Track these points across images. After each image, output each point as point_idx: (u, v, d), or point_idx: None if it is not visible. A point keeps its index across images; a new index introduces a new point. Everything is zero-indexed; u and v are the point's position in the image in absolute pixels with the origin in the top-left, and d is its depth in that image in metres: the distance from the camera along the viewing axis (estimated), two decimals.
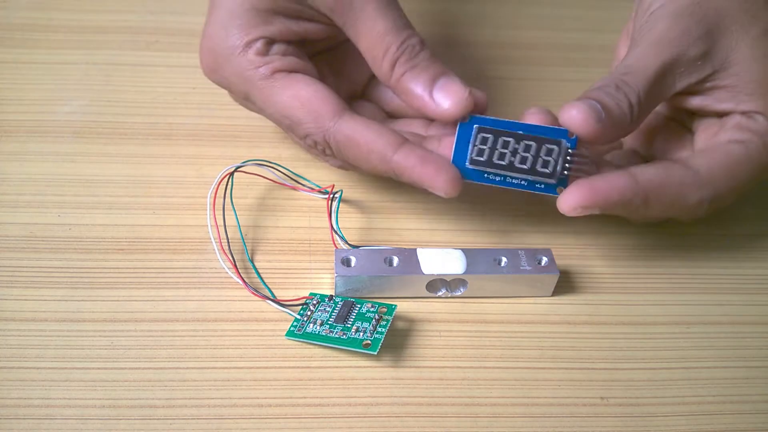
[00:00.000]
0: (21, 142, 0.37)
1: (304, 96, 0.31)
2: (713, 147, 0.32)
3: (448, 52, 0.46)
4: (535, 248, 0.32)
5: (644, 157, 0.36)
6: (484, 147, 0.30)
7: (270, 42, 0.31)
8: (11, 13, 0.44)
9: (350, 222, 0.35)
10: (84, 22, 0.44)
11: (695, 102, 0.33)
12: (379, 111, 0.36)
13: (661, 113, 0.37)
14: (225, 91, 0.40)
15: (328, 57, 0.35)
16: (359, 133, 0.30)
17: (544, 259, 0.32)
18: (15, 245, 0.32)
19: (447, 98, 0.30)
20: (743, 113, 0.32)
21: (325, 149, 0.32)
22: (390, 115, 0.36)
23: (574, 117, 0.28)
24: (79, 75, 0.41)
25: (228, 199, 0.33)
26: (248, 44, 0.31)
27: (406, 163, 0.30)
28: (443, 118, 0.30)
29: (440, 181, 0.29)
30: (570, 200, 0.29)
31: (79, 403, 0.27)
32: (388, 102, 0.36)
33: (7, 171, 0.35)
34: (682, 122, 0.36)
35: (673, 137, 0.35)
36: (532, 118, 0.31)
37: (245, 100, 0.33)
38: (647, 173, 0.30)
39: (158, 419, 0.27)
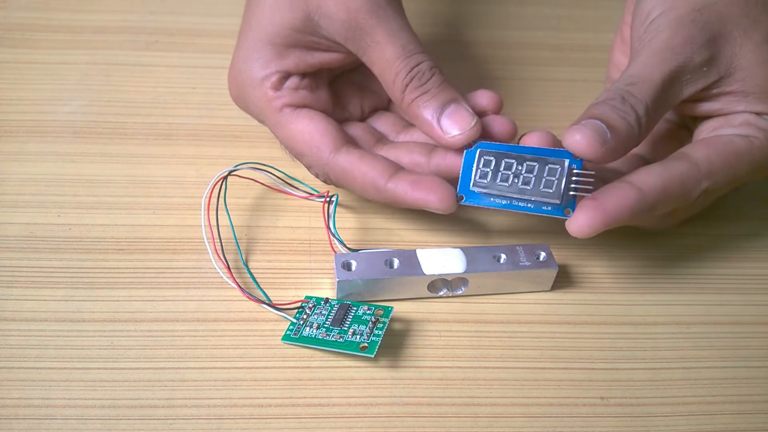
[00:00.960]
0: (21, 142, 0.37)
1: (306, 131, 0.32)
2: (714, 138, 0.32)
3: (448, 53, 0.46)
4: (533, 244, 0.33)
5: (648, 160, 0.35)
6: (488, 170, 0.30)
7: (285, 76, 0.33)
8: (11, 13, 0.44)
9: (348, 222, 0.35)
10: (84, 22, 0.44)
11: (703, 108, 0.33)
12: (399, 120, 0.36)
13: (665, 118, 0.36)
14: (225, 91, 0.40)
15: (352, 75, 0.36)
16: (354, 165, 0.32)
17: (543, 254, 0.32)
18: (15, 245, 0.32)
19: (454, 126, 0.31)
20: (753, 113, 0.32)
21: (326, 180, 0.33)
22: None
23: (578, 142, 0.28)
24: (79, 75, 0.41)
25: (222, 203, 0.33)
26: (264, 78, 0.33)
27: (398, 189, 0.31)
28: (450, 146, 0.31)
29: (434, 200, 0.30)
30: (580, 223, 0.28)
31: (79, 403, 0.27)
32: None
33: (7, 171, 0.35)
34: (685, 126, 0.36)
35: (677, 141, 0.35)
36: (531, 140, 0.31)
37: (263, 124, 0.35)
38: (650, 181, 0.29)
39: (158, 419, 0.27)
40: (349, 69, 0.36)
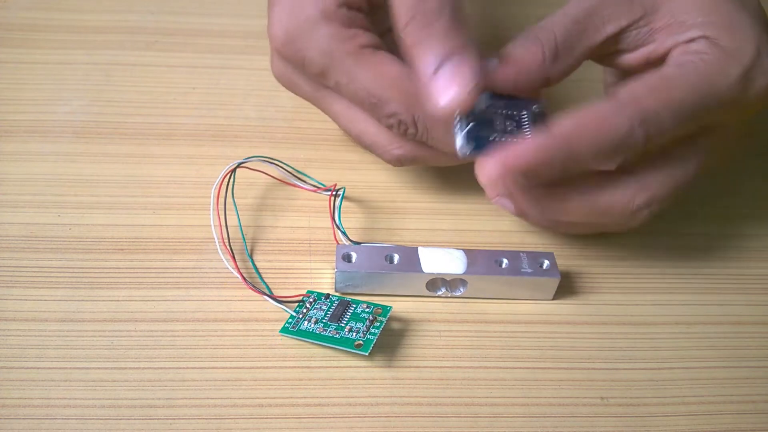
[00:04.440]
0: (21, 142, 0.37)
1: (394, 75, 0.29)
2: (639, 74, 0.29)
3: None
4: (537, 251, 0.32)
5: None
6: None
7: (350, 8, 0.30)
8: (11, 13, 0.44)
9: (351, 222, 0.35)
10: (84, 22, 0.44)
11: (639, 55, 0.31)
12: None
13: (613, 82, 0.35)
14: (225, 91, 0.40)
15: (390, 41, 0.32)
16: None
17: (546, 263, 0.32)
18: (15, 245, 0.32)
19: (444, 91, 0.27)
20: (685, 42, 0.29)
21: (408, 129, 0.30)
22: None
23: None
24: (79, 75, 0.41)
25: (230, 197, 0.33)
26: (327, 14, 0.29)
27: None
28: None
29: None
30: (486, 172, 0.27)
31: (79, 403, 0.27)
32: None
33: (7, 171, 0.35)
34: None
35: None
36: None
37: (320, 75, 0.31)
38: (560, 123, 0.27)
39: (158, 419, 0.27)
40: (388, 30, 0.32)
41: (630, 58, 0.31)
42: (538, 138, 0.27)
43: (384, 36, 0.32)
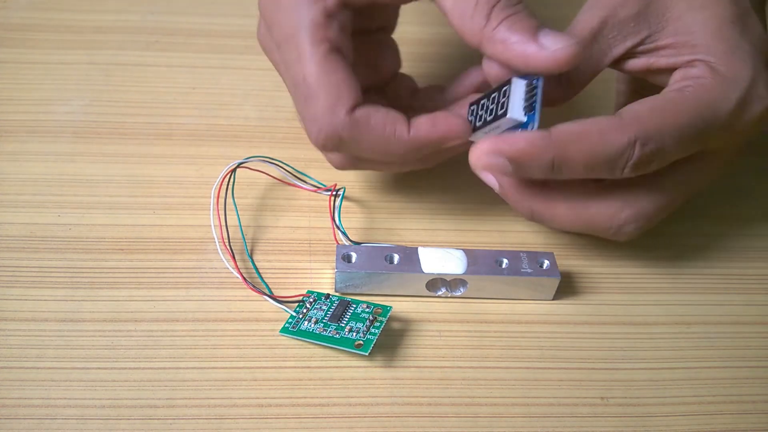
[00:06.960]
0: (21, 142, 0.37)
1: (336, 77, 0.29)
2: (644, 97, 0.30)
3: (448, 53, 0.46)
4: (537, 251, 0.32)
5: None
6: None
7: (339, 5, 0.29)
8: (11, 13, 0.44)
9: (351, 222, 0.35)
10: (84, 22, 0.44)
11: (639, 64, 0.31)
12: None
13: (624, 90, 0.36)
14: (225, 91, 0.40)
15: (360, 43, 0.32)
16: (374, 118, 0.29)
17: (546, 263, 0.32)
18: (15, 245, 0.32)
19: (557, 41, 0.27)
20: (686, 64, 0.30)
21: (326, 143, 0.30)
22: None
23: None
24: (79, 75, 0.41)
25: (229, 196, 0.33)
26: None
27: (421, 130, 0.30)
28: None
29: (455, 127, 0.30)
30: (476, 150, 0.28)
31: (79, 403, 0.27)
32: (403, 98, 0.36)
33: (7, 171, 0.35)
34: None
35: None
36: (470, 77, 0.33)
37: (277, 48, 0.31)
38: (562, 126, 0.28)
39: (158, 419, 0.27)
40: (360, 32, 0.32)
41: (630, 65, 0.32)
42: (535, 133, 0.28)
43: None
